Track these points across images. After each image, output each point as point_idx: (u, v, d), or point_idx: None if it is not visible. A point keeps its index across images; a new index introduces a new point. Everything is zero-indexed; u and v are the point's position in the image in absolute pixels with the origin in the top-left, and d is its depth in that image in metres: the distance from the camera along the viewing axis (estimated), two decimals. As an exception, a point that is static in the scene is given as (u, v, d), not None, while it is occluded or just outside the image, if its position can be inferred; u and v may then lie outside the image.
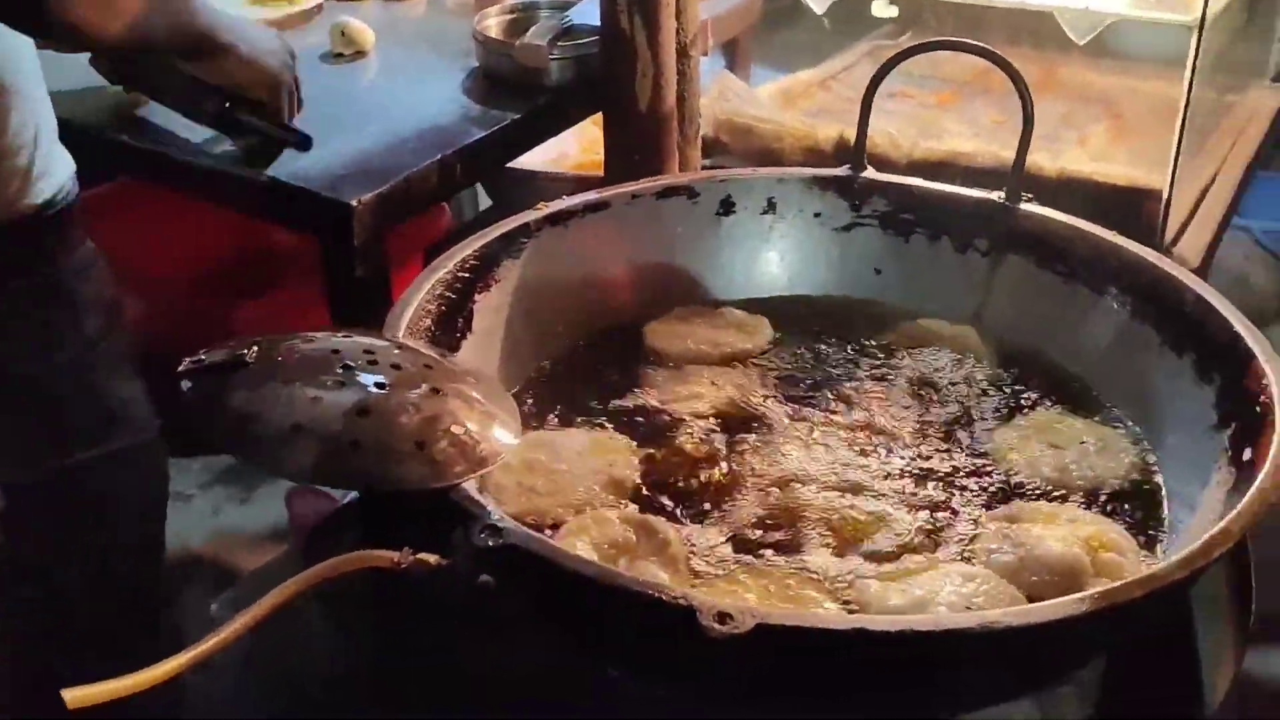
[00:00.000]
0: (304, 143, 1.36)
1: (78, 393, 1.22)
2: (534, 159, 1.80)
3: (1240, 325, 0.98)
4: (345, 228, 1.26)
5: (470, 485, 0.80)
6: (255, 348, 0.84)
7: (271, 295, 1.83)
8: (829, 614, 0.68)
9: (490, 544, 0.73)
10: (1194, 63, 1.34)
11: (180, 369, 0.84)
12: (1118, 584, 0.72)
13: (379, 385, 0.83)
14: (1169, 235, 1.46)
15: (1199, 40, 1.33)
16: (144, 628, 1.38)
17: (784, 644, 0.67)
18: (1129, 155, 1.71)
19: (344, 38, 1.66)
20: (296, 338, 0.88)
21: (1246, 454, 0.89)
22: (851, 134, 1.60)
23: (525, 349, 1.15)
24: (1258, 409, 0.90)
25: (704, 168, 1.58)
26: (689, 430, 1.05)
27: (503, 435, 0.85)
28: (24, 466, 1.21)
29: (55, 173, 1.16)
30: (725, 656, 0.67)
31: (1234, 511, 0.77)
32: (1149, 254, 1.10)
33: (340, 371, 0.84)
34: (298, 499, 2.20)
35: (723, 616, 0.67)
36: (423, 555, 0.82)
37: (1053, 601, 0.71)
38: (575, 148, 2.04)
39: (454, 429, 0.82)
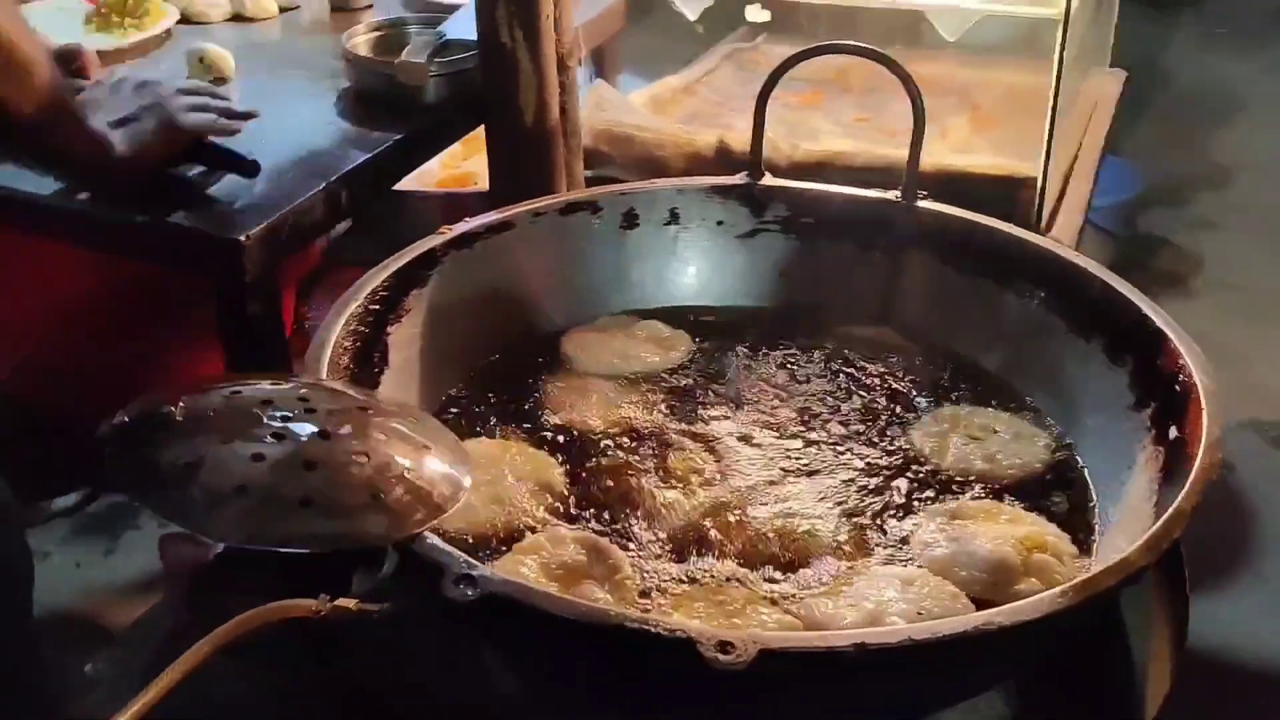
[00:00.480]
0: (250, 168, 1.31)
1: None
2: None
3: (1147, 307, 1.02)
4: (236, 265, 1.20)
5: (429, 533, 0.76)
6: (180, 403, 0.79)
7: (146, 334, 1.73)
8: (831, 634, 0.68)
9: (470, 595, 0.70)
10: (1060, 54, 1.39)
11: (101, 431, 0.78)
12: (1096, 572, 0.73)
13: (321, 434, 0.79)
14: (1044, 221, 1.52)
15: (1064, 32, 1.38)
16: (23, 704, 1.28)
17: (786, 668, 0.67)
18: (991, 145, 1.78)
19: (202, 64, 1.58)
20: (221, 388, 0.82)
21: (1172, 432, 0.92)
22: (730, 139, 1.65)
23: (439, 374, 1.12)
24: (1177, 387, 0.94)
25: (587, 179, 1.56)
26: (610, 447, 1.04)
27: (456, 475, 0.82)
28: None
29: None
30: (728, 686, 0.66)
31: (1183, 491, 0.80)
32: (1048, 243, 1.13)
33: (276, 423, 0.79)
34: (170, 545, 2.10)
35: (724, 646, 0.66)
36: (341, 601, 0.78)
37: (1038, 597, 0.72)
38: (435, 163, 2.00)
39: (407, 475, 0.79)
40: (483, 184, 1.96)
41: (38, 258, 1.75)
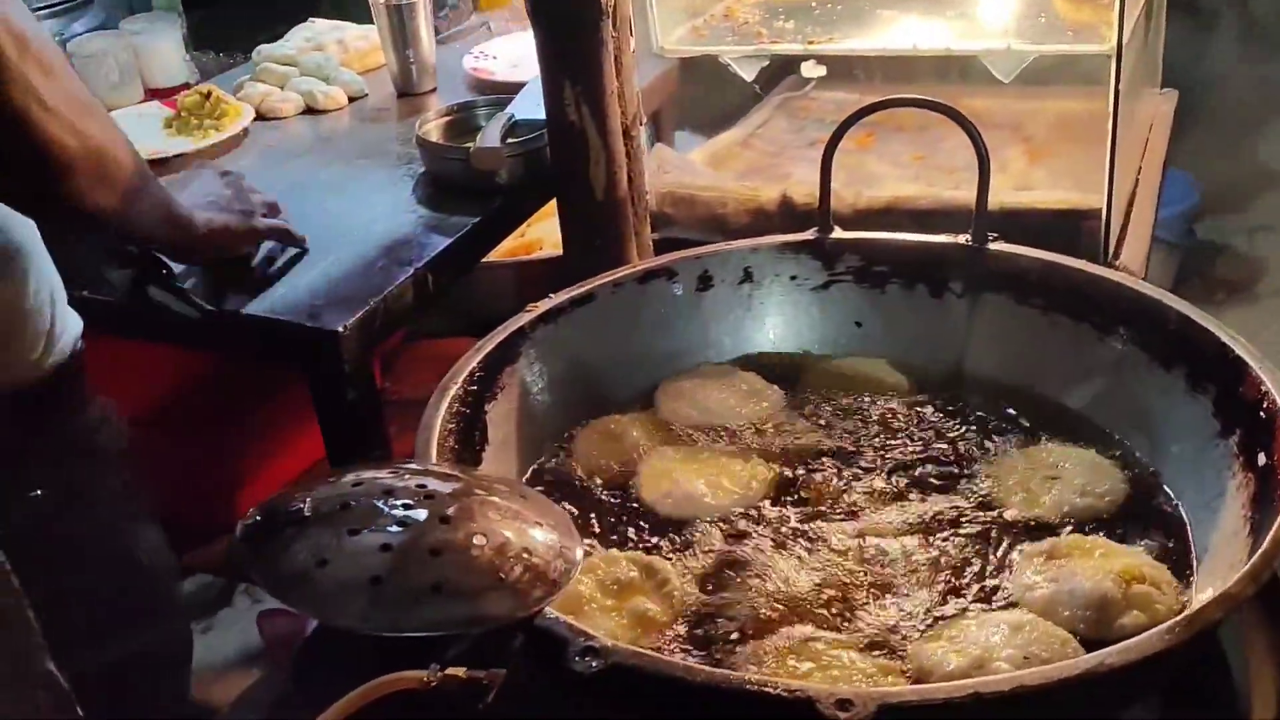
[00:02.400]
0: (301, 243, 1.42)
1: (102, 562, 1.19)
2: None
3: (1225, 335, 1.04)
4: (334, 356, 1.25)
5: (551, 609, 0.80)
6: (308, 499, 0.83)
7: (246, 422, 1.80)
8: (946, 686, 0.70)
9: (594, 666, 0.74)
10: (1116, 86, 1.41)
11: (238, 532, 0.82)
12: (1201, 606, 0.75)
13: (441, 520, 0.83)
14: (1111, 250, 1.54)
15: (1118, 65, 1.40)
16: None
17: (905, 721, 0.69)
18: (1048, 175, 1.79)
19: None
20: (344, 481, 0.87)
21: (1261, 458, 0.94)
22: (793, 190, 1.68)
23: (535, 446, 1.16)
24: (1261, 414, 0.95)
25: (654, 242, 1.61)
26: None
27: (568, 550, 0.86)
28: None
29: (69, 329, 1.16)
30: (851, 743, 0.68)
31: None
32: (1123, 278, 1.15)
33: (398, 511, 0.83)
34: (268, 621, 2.16)
35: (843, 704, 0.68)
36: (451, 671, 0.81)
37: (1145, 636, 0.74)
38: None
39: (524, 554, 0.82)
40: (548, 249, 2.01)
41: (133, 357, 1.83)
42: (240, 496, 1.81)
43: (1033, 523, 1.03)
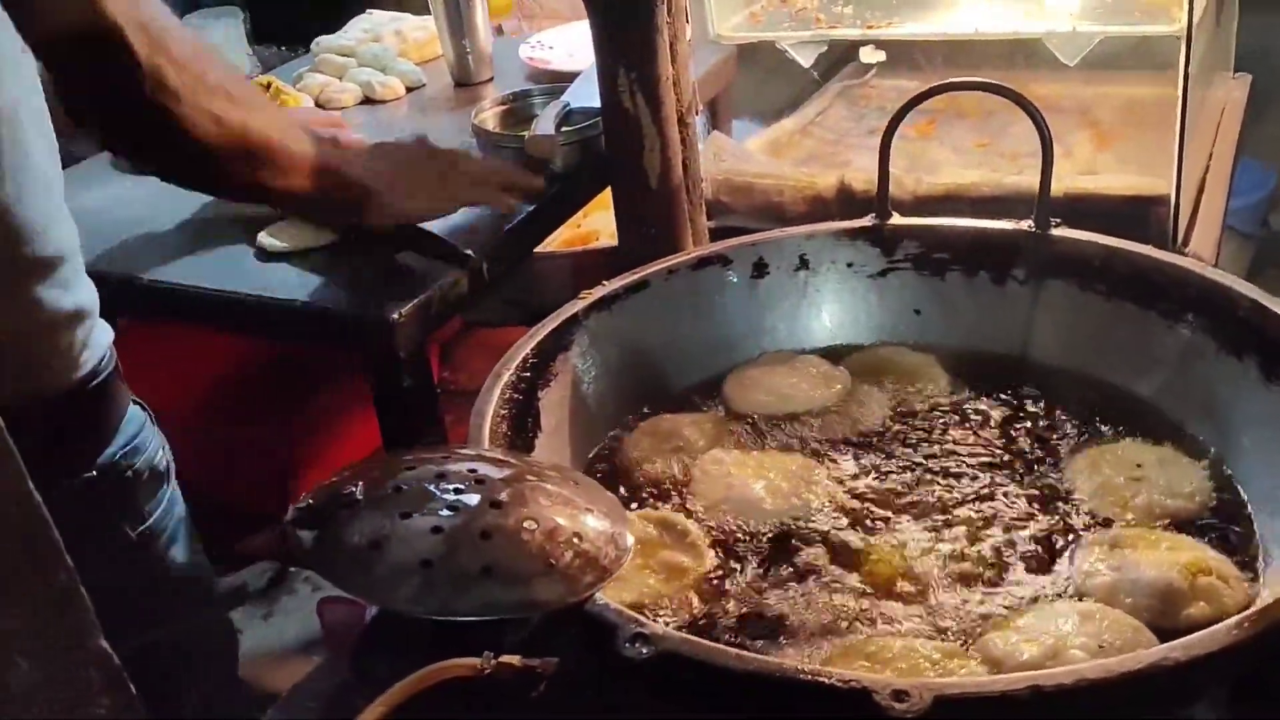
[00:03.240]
0: (463, 260, 1.39)
1: (133, 575, 1.20)
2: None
3: (1300, 323, 1.00)
4: (389, 343, 1.26)
5: (601, 595, 0.80)
6: (360, 483, 0.84)
7: (304, 410, 1.82)
8: (1004, 678, 0.68)
9: (645, 653, 0.73)
10: (1185, 69, 1.37)
11: (289, 517, 0.83)
12: (1273, 601, 0.72)
13: (492, 504, 0.82)
14: (1179, 237, 1.50)
15: (1188, 47, 1.36)
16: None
17: (961, 715, 0.67)
18: (1115, 160, 1.75)
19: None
20: (396, 465, 0.87)
21: (1338, 450, 0.91)
22: (851, 178, 1.66)
23: (588, 434, 1.15)
24: (1340, 404, 0.92)
25: (710, 230, 1.59)
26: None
27: (619, 537, 0.85)
28: None
29: (98, 340, 1.15)
30: (905, 734, 0.67)
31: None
32: (1191, 263, 1.12)
33: (449, 495, 0.83)
34: (328, 608, 2.18)
35: (899, 694, 0.67)
36: (505, 659, 0.81)
37: (1214, 629, 0.71)
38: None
39: (574, 540, 0.82)
40: (605, 239, 2.01)
41: (195, 346, 1.86)
42: (299, 483, 1.83)
43: (1098, 511, 1.00)
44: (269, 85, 1.87)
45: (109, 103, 1.11)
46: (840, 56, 1.94)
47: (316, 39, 2.12)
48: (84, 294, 1.14)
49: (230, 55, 2.23)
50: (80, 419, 1.14)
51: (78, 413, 1.14)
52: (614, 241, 1.57)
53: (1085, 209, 1.48)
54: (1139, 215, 1.48)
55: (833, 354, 1.25)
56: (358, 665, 1.28)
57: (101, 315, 1.19)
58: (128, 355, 1.21)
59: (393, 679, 0.90)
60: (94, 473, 1.15)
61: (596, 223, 2.10)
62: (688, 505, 1.05)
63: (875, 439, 1.12)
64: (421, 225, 1.39)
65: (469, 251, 1.38)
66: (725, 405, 1.19)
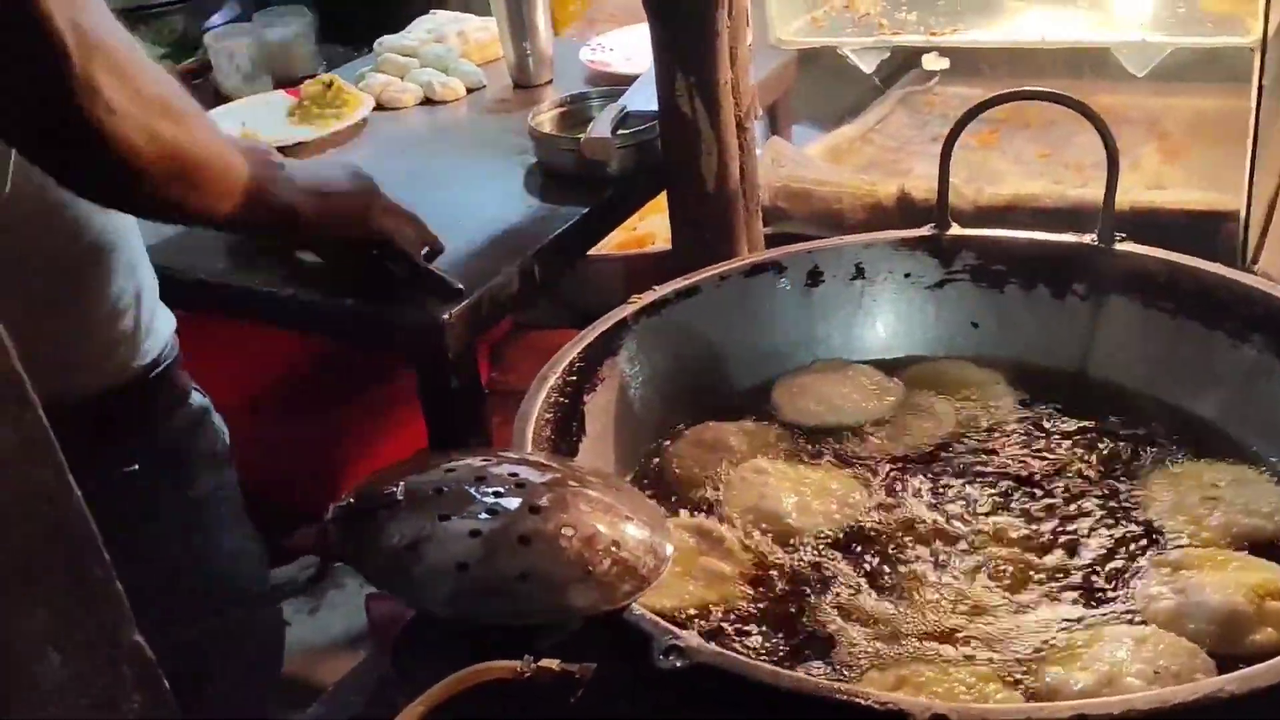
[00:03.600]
0: (452, 294, 1.33)
1: (187, 561, 1.21)
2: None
3: (1372, 345, 0.97)
4: (438, 344, 1.26)
5: (638, 605, 0.78)
6: (401, 484, 0.83)
7: (352, 408, 1.83)
8: (1049, 706, 0.66)
9: (678, 665, 0.72)
10: (1259, 81, 1.33)
11: (330, 515, 0.83)
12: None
13: (532, 509, 0.82)
14: (1249, 255, 1.45)
15: (1262, 59, 1.32)
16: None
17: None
18: (1183, 174, 1.71)
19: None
20: (438, 466, 0.86)
21: None
22: (911, 187, 1.64)
23: (634, 440, 1.14)
24: None
25: (766, 236, 1.58)
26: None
27: (659, 547, 0.84)
28: None
29: (158, 330, 1.16)
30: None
31: None
32: (1260, 282, 1.08)
33: (489, 498, 0.82)
34: (376, 604, 2.19)
35: (938, 719, 0.65)
36: (545, 663, 0.80)
37: (1270, 664, 0.69)
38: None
39: (613, 548, 0.81)
40: (660, 244, 2.00)
41: (245, 342, 1.88)
42: (347, 480, 1.84)
43: (1163, 532, 0.97)
44: (331, 83, 1.89)
45: (31, 107, 0.98)
46: (903, 63, 1.92)
47: (379, 38, 2.14)
48: (144, 281, 1.16)
49: (298, 53, 2.25)
50: (143, 405, 1.16)
51: (140, 399, 1.15)
52: (669, 246, 1.56)
53: (1151, 223, 1.45)
54: (1207, 231, 1.44)
55: (888, 365, 1.22)
56: (399, 663, 1.28)
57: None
58: (184, 346, 1.23)
59: (433, 678, 0.90)
60: (153, 456, 1.16)
61: (651, 226, 2.09)
62: (719, 512, 1.04)
63: (927, 455, 1.10)
64: (410, 257, 1.32)
65: (459, 286, 1.33)
66: (774, 413, 1.17)
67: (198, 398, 1.22)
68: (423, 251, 1.35)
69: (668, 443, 1.14)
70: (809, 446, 1.13)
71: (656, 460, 1.13)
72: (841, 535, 1.00)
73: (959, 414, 1.15)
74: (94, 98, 0.96)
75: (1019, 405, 1.15)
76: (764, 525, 1.01)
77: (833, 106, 2.03)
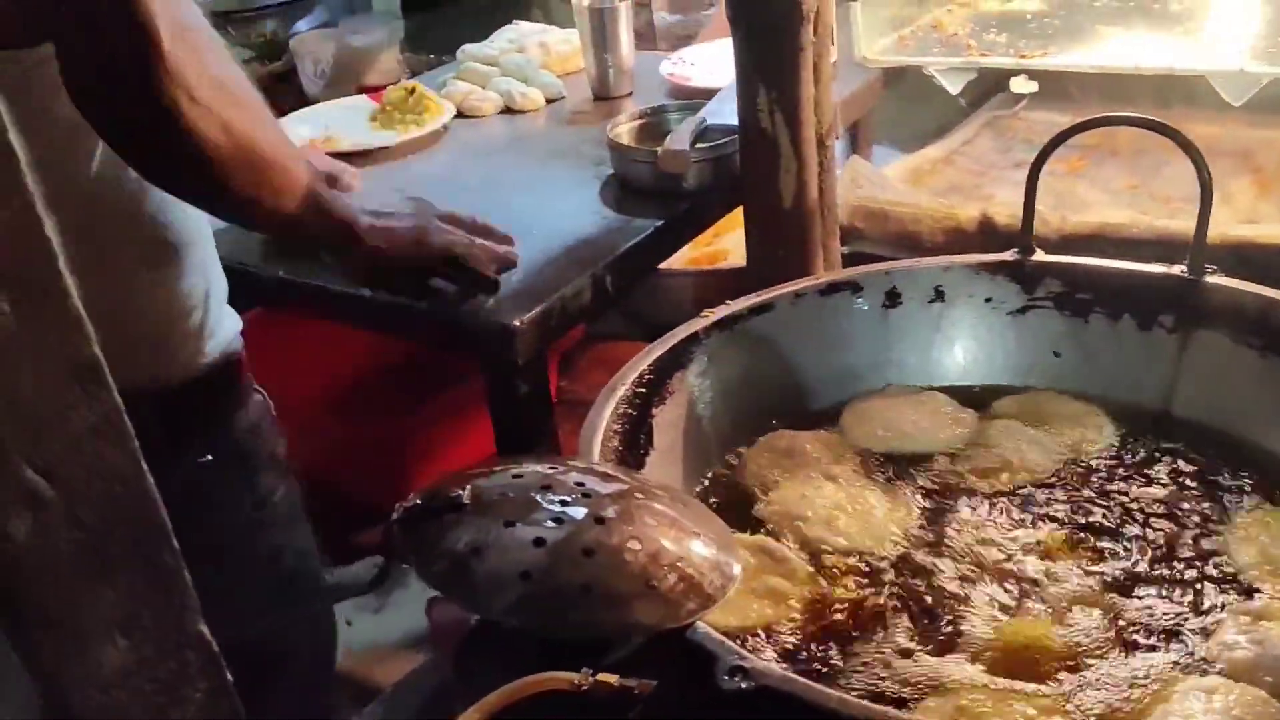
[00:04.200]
0: (490, 286, 1.34)
1: (244, 559, 1.21)
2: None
3: None
4: (508, 349, 1.25)
5: (703, 624, 0.77)
6: (467, 487, 0.83)
7: (423, 411, 1.84)
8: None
9: (743, 687, 0.70)
10: (1363, 115, 1.29)
11: (395, 516, 0.82)
12: None
13: (597, 520, 0.81)
14: (1346, 293, 1.40)
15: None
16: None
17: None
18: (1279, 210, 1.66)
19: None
20: (505, 472, 0.86)
21: None
22: (993, 211, 1.60)
23: (702, 456, 1.13)
24: None
25: (843, 256, 1.55)
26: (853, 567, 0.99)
27: (725, 564, 0.82)
28: None
29: (224, 330, 1.17)
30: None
31: None
32: (1361, 321, 1.04)
33: (554, 507, 0.82)
34: (438, 607, 2.19)
35: (1008, 757, 0.63)
36: (604, 677, 0.79)
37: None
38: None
39: (678, 564, 0.79)
40: (734, 260, 1.99)
41: (315, 340, 1.89)
42: (416, 481, 1.84)
43: (1245, 583, 0.93)
44: (413, 90, 1.90)
45: (118, 90, 0.97)
46: (990, 86, 1.89)
47: (462, 46, 2.15)
48: (214, 281, 1.17)
49: (382, 60, 2.27)
50: (205, 403, 1.17)
51: (203, 397, 1.16)
52: (743, 263, 1.54)
53: (1243, 257, 1.40)
54: (1303, 267, 1.39)
55: (970, 393, 1.19)
56: (459, 668, 1.27)
57: (230, 304, 1.22)
58: (256, 342, 1.24)
59: (492, 685, 0.89)
60: (215, 456, 1.17)
61: (727, 243, 2.08)
62: (776, 524, 1.03)
63: (1001, 489, 1.07)
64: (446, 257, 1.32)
65: (497, 278, 1.33)
66: (841, 435, 1.15)
67: (259, 400, 1.23)
68: (494, 270, 1.35)
69: (742, 449, 1.13)
70: (882, 466, 1.11)
71: (728, 473, 1.12)
72: (905, 563, 0.98)
73: (1042, 447, 1.11)
74: (178, 85, 0.97)
75: (1103, 441, 1.11)
76: (826, 546, 1.00)
77: (916, 128, 2.00)
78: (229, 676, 0.66)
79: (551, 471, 0.86)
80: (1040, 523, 1.02)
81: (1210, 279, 1.12)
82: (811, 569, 0.97)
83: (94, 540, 0.58)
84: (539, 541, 0.78)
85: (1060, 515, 1.03)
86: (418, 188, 1.39)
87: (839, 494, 1.06)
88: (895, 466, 1.11)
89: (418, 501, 0.83)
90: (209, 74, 1.00)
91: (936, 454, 1.12)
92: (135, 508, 0.59)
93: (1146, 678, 0.85)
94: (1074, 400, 1.17)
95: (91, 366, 0.56)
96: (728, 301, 1.18)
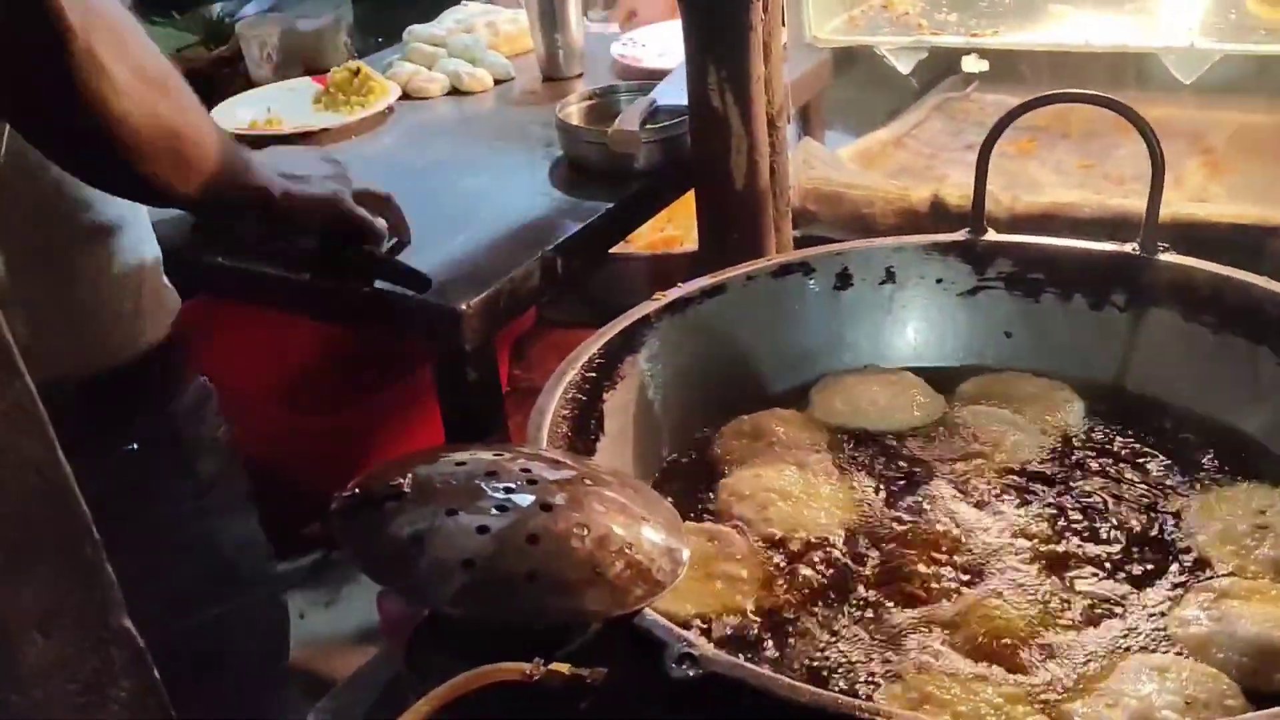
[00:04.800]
0: (422, 284, 1.30)
1: (188, 547, 1.18)
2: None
3: None
4: (456, 333, 1.23)
5: (652, 611, 0.75)
6: (411, 475, 0.80)
7: (373, 400, 1.81)
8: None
9: (690, 675, 0.68)
10: (1311, 93, 1.29)
11: (334, 505, 0.80)
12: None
13: (544, 507, 0.78)
14: (1296, 271, 1.41)
15: (1315, 69, 1.28)
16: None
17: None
18: (1229, 190, 1.67)
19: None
20: (448, 459, 0.83)
21: None
22: (945, 193, 1.60)
23: (654, 441, 1.11)
24: None
25: (795, 238, 1.54)
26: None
27: (675, 551, 0.80)
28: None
29: (160, 313, 1.13)
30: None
31: None
32: (1311, 297, 1.04)
33: (499, 494, 0.79)
34: (389, 601, 2.16)
35: (963, 742, 0.61)
36: (555, 666, 0.77)
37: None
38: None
39: (626, 550, 0.77)
40: (688, 245, 1.97)
41: (266, 329, 1.86)
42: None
43: (1205, 559, 0.93)
44: (358, 71, 1.86)
45: (32, 83, 0.92)
46: (941, 68, 1.88)
47: (409, 27, 2.12)
48: (148, 265, 1.13)
49: (328, 43, 2.23)
50: (143, 387, 1.13)
51: (140, 381, 1.13)
52: (696, 247, 1.53)
53: (1194, 237, 1.40)
54: (1253, 246, 1.40)
55: (921, 375, 1.18)
56: (411, 660, 1.25)
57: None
58: (203, 329, 1.20)
59: (444, 677, 0.87)
60: (153, 441, 1.13)
61: (680, 228, 2.06)
62: (732, 512, 1.02)
63: (964, 466, 1.06)
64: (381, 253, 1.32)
65: (428, 277, 1.30)
66: (806, 408, 1.15)
67: (201, 384, 1.20)
68: (391, 241, 1.34)
69: (699, 431, 1.12)
70: (851, 446, 1.10)
71: (684, 458, 1.10)
72: (863, 543, 0.97)
73: (1004, 426, 1.10)
74: (96, 71, 0.92)
75: (1078, 419, 1.11)
76: (778, 531, 0.98)
77: (867, 112, 1.99)
78: (156, 674, 0.63)
79: (497, 458, 0.84)
80: (1001, 500, 1.01)
81: (1163, 257, 1.12)
82: (768, 553, 0.96)
83: (8, 533, 0.55)
84: (483, 529, 0.76)
85: (1017, 490, 1.02)
86: (362, 170, 1.35)
87: (799, 476, 1.04)
88: (864, 446, 1.10)
89: (357, 490, 0.80)
90: (130, 61, 0.95)
91: (903, 433, 1.11)
92: (52, 499, 0.56)
93: (1102, 653, 0.85)
94: (1038, 378, 1.16)
95: (0, 350, 0.53)
96: (679, 284, 1.16)
